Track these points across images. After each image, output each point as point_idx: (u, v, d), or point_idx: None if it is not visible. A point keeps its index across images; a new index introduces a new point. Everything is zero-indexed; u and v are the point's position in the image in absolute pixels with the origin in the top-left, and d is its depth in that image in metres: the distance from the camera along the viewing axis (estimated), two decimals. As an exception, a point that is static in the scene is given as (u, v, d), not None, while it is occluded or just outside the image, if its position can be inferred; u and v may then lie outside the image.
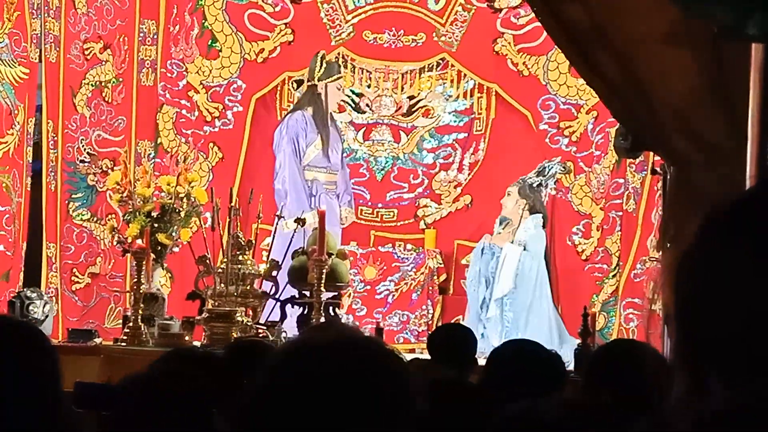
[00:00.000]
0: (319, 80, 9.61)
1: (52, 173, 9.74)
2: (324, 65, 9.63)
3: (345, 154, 10.02)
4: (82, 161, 9.84)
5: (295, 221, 8.55)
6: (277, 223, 8.51)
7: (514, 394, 3.14)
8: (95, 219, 9.84)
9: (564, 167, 9.90)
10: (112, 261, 9.82)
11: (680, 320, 1.15)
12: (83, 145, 9.86)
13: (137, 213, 8.53)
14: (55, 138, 9.75)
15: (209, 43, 10.27)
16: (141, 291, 7.88)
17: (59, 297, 9.54)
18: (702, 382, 1.12)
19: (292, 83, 10.12)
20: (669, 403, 1.15)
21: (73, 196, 9.85)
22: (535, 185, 9.74)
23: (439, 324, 9.37)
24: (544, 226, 9.72)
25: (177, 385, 2.67)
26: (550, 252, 9.97)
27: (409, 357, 7.51)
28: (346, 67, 10.29)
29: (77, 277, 9.80)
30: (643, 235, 9.26)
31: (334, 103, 9.77)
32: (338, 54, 10.27)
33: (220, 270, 7.82)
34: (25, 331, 2.33)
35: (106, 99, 9.96)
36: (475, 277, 9.63)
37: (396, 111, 10.51)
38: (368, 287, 9.93)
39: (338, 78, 9.71)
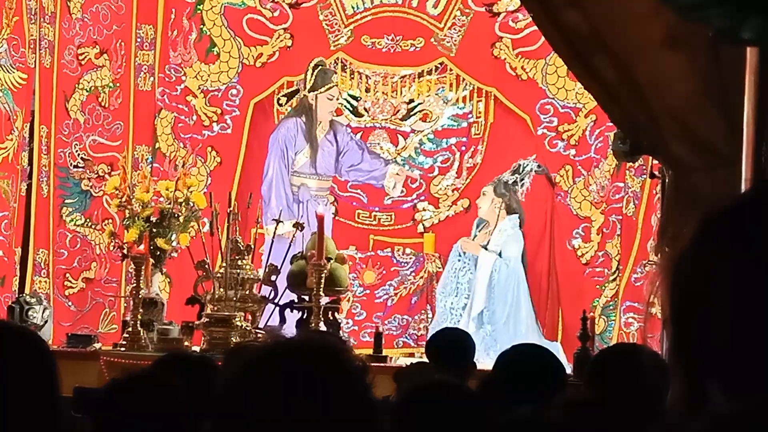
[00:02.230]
0: (309, 91, 9.64)
1: (45, 178, 9.73)
2: (314, 76, 9.62)
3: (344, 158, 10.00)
4: (76, 166, 9.83)
5: (293, 225, 8.56)
6: (272, 227, 8.51)
7: (517, 397, 3.15)
8: (89, 224, 9.83)
9: (540, 166, 9.82)
10: (107, 266, 9.81)
11: (676, 324, 1.15)
12: (77, 150, 9.85)
13: (136, 218, 8.53)
14: (48, 143, 9.74)
15: (207, 47, 10.26)
16: (140, 296, 7.88)
17: (50, 302, 9.51)
18: (698, 386, 1.12)
19: (280, 97, 10.11)
20: (669, 407, 1.15)
21: (67, 201, 9.84)
22: (510, 183, 9.65)
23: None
24: (521, 227, 9.63)
25: (170, 389, 2.67)
26: (551, 255, 9.96)
27: (408, 361, 7.52)
28: (344, 71, 10.28)
29: (70, 282, 9.79)
30: (643, 239, 9.25)
31: (325, 113, 9.75)
32: (337, 59, 10.27)
33: (219, 275, 7.82)
34: (24, 336, 2.33)
35: (103, 104, 9.95)
36: (449, 284, 9.47)
37: (394, 115, 10.49)
38: (367, 291, 9.91)
39: (329, 88, 9.70)
